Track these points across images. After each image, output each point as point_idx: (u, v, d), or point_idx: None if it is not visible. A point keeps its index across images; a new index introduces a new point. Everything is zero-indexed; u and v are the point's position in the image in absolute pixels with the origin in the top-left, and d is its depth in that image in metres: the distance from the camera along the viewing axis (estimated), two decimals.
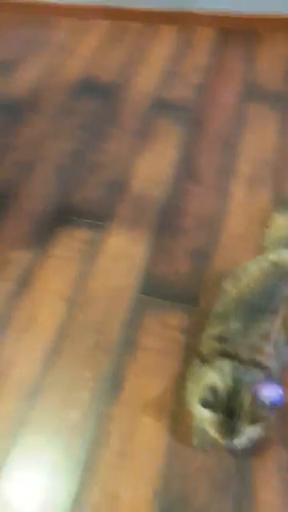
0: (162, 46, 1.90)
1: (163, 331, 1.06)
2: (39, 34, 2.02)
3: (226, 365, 0.82)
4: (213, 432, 0.76)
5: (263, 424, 0.76)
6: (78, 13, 2.04)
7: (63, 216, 1.32)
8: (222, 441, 0.75)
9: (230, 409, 0.76)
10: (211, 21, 1.92)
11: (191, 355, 0.98)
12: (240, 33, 1.90)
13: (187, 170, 1.41)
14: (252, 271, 1.02)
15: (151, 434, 0.92)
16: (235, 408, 0.76)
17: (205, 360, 0.88)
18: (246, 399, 0.77)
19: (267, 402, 0.75)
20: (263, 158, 1.43)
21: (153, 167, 1.42)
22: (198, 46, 1.88)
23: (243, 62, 1.78)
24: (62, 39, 1.97)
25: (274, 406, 0.76)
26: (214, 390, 0.79)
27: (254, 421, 0.75)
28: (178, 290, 1.14)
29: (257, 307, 0.94)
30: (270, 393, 0.76)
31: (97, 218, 1.30)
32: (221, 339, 0.91)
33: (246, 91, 1.65)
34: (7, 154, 1.50)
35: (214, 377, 0.81)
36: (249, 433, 0.75)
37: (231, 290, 1.01)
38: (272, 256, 1.06)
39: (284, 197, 1.30)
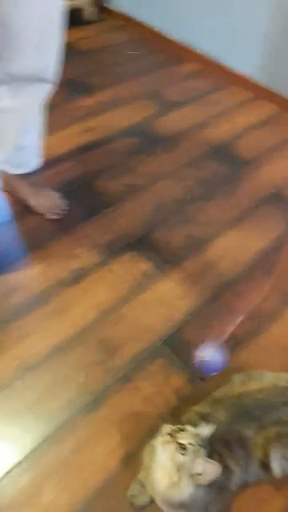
0: None
1: (161, 385, 1.16)
2: (213, 92, 2.32)
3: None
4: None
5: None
6: (255, 89, 2.31)
7: (139, 244, 1.51)
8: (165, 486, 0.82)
9: None
10: None
11: (172, 419, 1.06)
12: None
13: (268, 263, 1.51)
14: (266, 381, 1.08)
15: (100, 461, 1.02)
16: None
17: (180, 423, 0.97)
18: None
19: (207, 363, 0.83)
20: None
21: (238, 245, 1.55)
22: None
23: None
24: (229, 104, 2.24)
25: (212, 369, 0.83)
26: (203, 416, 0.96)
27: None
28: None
29: (249, 414, 1.00)
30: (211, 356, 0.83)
31: (165, 260, 1.47)
32: (202, 417, 0.99)
33: None
34: (124, 173, 1.78)
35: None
36: (201, 463, 0.81)
37: (237, 385, 1.09)
38: None
39: None
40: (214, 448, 0.89)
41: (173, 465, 0.82)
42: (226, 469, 0.92)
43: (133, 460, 1.01)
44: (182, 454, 0.82)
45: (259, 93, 2.29)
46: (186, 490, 0.83)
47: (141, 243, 1.52)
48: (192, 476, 0.82)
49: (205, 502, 0.85)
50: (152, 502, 0.93)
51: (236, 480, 0.95)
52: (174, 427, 0.86)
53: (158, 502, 0.90)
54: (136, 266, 1.44)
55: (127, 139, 1.96)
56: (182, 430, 0.86)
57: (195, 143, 1.98)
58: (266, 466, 0.96)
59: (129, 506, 0.95)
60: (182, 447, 0.82)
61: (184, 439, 0.84)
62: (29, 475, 0.99)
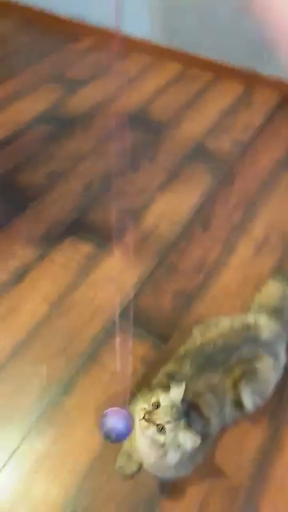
0: (223, 98, 2.10)
1: (126, 357, 1.18)
2: (115, 63, 2.29)
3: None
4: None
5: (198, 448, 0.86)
6: (154, 51, 2.31)
7: (76, 228, 1.50)
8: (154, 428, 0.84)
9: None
10: (275, 86, 2.10)
11: (143, 385, 1.08)
12: None
13: (203, 217, 1.55)
14: (223, 326, 1.13)
15: (82, 443, 1.03)
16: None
17: (151, 389, 0.99)
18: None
19: (112, 431, 0.87)
20: (281, 227, 1.54)
21: (171, 207, 1.58)
22: (256, 106, 2.06)
23: None
24: (134, 72, 2.23)
25: (116, 437, 0.88)
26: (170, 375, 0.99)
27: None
28: (155, 324, 1.26)
29: (213, 360, 1.04)
30: (116, 423, 0.86)
31: (104, 238, 1.46)
32: (170, 376, 1.02)
33: (287, 160, 1.79)
34: (45, 162, 1.74)
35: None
36: (182, 436, 0.85)
37: (198, 336, 1.12)
38: (249, 318, 1.16)
39: (286, 268, 1.40)
40: (188, 402, 0.92)
41: (156, 445, 0.85)
42: (202, 418, 0.96)
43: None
44: (162, 435, 0.85)
45: (160, 54, 2.30)
46: (173, 459, 0.87)
47: (77, 227, 1.51)
48: (176, 447, 0.86)
49: (190, 455, 0.89)
50: (141, 467, 0.96)
51: (214, 426, 1.00)
52: (147, 407, 0.87)
53: (147, 467, 0.93)
54: (77, 251, 1.43)
55: (40, 127, 1.91)
56: (156, 408, 0.87)
57: (110, 116, 1.96)
58: (238, 405, 1.02)
59: (119, 477, 0.97)
60: (161, 428, 0.85)
61: (160, 419, 0.85)
62: (16, 475, 0.98)
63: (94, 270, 1.38)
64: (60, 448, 1.02)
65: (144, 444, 0.88)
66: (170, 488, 0.97)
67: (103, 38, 2.43)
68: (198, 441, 0.85)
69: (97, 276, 1.37)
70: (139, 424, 0.87)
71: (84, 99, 2.06)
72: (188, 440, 0.85)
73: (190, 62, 2.25)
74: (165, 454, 0.85)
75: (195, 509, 0.95)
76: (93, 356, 1.18)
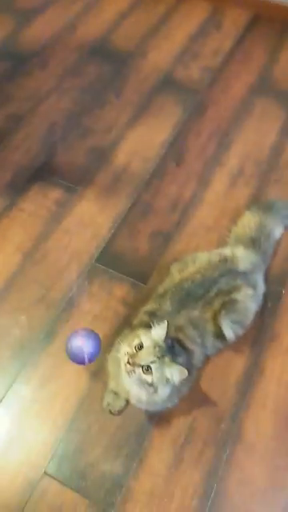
0: (191, 22, 1.95)
1: (106, 300, 1.17)
2: None
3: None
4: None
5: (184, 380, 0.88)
6: None
7: (43, 173, 1.42)
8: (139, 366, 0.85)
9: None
10: (246, 4, 1.96)
11: (124, 326, 1.09)
12: (273, 22, 1.94)
13: (176, 153, 1.49)
14: (201, 261, 1.12)
15: (69, 386, 1.04)
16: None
17: (133, 329, 0.99)
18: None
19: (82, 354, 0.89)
20: (256, 156, 1.50)
21: (142, 143, 1.51)
22: (226, 29, 1.92)
23: (267, 53, 1.82)
24: None
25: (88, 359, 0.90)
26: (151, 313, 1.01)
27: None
28: (133, 265, 1.24)
29: (192, 295, 1.04)
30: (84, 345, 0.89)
31: (74, 181, 1.40)
32: (151, 315, 1.02)
33: (260, 85, 1.71)
34: (2, 104, 1.61)
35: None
36: (169, 371, 0.86)
37: (176, 274, 1.12)
38: (226, 251, 1.16)
39: (261, 199, 1.38)
40: (171, 338, 0.93)
41: (145, 385, 0.86)
42: (186, 351, 0.97)
43: (99, 376, 1.04)
44: (149, 375, 0.85)
45: None
46: (164, 393, 0.89)
47: (43, 172, 1.43)
48: (165, 382, 0.87)
49: (176, 387, 0.91)
50: (128, 403, 0.98)
51: (198, 357, 1.02)
52: (130, 350, 0.87)
53: (136, 403, 0.95)
54: (46, 198, 1.37)
55: None
56: (140, 349, 0.87)
57: (69, 49, 1.81)
58: (219, 335, 1.04)
59: (107, 414, 1.00)
60: (147, 369, 0.85)
61: (145, 359, 0.85)
62: (6, 421, 1.00)
63: (66, 215, 1.34)
64: (47, 392, 1.04)
65: (133, 385, 0.89)
66: (158, 418, 1.01)
67: None
68: (186, 372, 0.86)
69: (69, 222, 1.32)
70: (125, 368, 0.87)
71: (40, 31, 1.88)
72: (175, 373, 0.86)
73: None
74: (155, 391, 0.87)
75: (183, 433, 0.99)
76: (72, 302, 1.17)
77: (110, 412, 1.00)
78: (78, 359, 0.90)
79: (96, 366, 1.06)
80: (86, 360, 0.90)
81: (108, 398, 1.01)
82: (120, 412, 1.00)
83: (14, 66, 1.74)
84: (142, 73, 1.73)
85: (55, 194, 1.38)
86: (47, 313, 1.15)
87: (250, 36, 1.89)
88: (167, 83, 1.70)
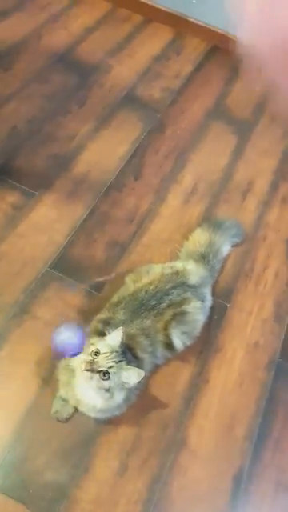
0: (154, 44, 1.97)
1: (59, 307, 1.13)
2: None
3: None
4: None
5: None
6: None
7: (0, 176, 1.36)
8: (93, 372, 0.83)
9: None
10: (205, 34, 2.01)
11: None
12: (229, 54, 2.00)
13: (134, 166, 1.49)
14: (154, 273, 1.12)
15: (18, 393, 0.99)
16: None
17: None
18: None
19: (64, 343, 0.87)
20: (209, 176, 1.53)
21: (102, 154, 1.49)
22: (187, 54, 1.96)
23: (223, 82, 1.89)
24: (60, 9, 1.99)
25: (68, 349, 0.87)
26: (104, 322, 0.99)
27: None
28: (88, 274, 1.21)
29: (145, 305, 1.03)
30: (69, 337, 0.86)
31: (32, 186, 1.35)
32: (105, 323, 1.00)
33: (215, 110, 1.76)
34: None
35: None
36: (126, 374, 0.85)
37: (130, 284, 1.11)
38: (178, 265, 1.16)
39: (212, 217, 1.41)
40: (123, 345, 0.91)
41: (102, 390, 0.84)
42: (136, 359, 0.96)
43: (48, 383, 1.00)
44: (107, 380, 0.83)
45: None
46: (119, 398, 0.88)
47: (1, 174, 1.36)
48: (121, 387, 0.86)
49: (126, 394, 0.89)
50: (76, 410, 0.95)
51: (147, 366, 1.01)
52: (87, 358, 0.85)
53: (85, 410, 0.92)
54: (2, 200, 1.30)
55: None
56: (96, 355, 0.85)
57: (35, 55, 1.75)
58: (169, 345, 1.04)
59: (55, 422, 0.96)
60: (104, 374, 0.83)
61: (103, 365, 0.84)
62: None
63: (23, 220, 1.28)
64: None
65: (88, 393, 0.87)
66: (106, 427, 0.98)
67: None
68: (143, 373, 0.86)
69: (25, 226, 1.27)
70: (82, 375, 0.85)
71: (4, 34, 1.80)
72: (132, 376, 0.86)
73: (119, 2, 2.06)
74: (111, 396, 0.86)
75: (130, 441, 0.98)
76: (25, 308, 1.11)
77: (58, 419, 0.96)
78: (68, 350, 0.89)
79: (45, 372, 1.02)
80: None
81: (56, 406, 0.96)
82: (67, 419, 0.96)
83: None
84: (105, 86, 1.72)
85: (12, 197, 1.32)
86: None
87: (208, 64, 1.94)
88: (129, 99, 1.70)
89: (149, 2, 2.03)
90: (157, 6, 2.02)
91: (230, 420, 1.06)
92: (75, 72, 1.74)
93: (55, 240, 1.26)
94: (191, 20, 2.01)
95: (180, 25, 2.04)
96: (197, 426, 1.03)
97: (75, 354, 0.88)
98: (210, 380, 1.10)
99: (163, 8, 2.02)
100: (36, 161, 1.42)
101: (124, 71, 1.80)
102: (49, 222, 1.29)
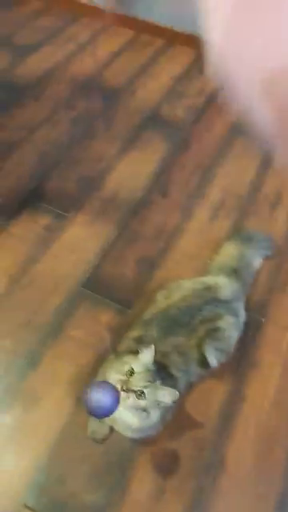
0: (176, 65, 2.00)
1: (91, 325, 1.13)
2: (65, 28, 2.12)
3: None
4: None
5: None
6: (106, 17, 2.14)
7: (33, 199, 1.39)
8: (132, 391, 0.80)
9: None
10: None
11: (109, 352, 1.04)
12: None
13: (161, 184, 1.49)
14: (185, 289, 1.10)
15: (52, 413, 0.98)
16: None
17: (118, 355, 0.95)
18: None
19: (95, 405, 0.76)
20: (236, 191, 1.51)
21: (130, 174, 1.51)
22: (209, 72, 1.98)
23: None
24: (85, 38, 2.07)
25: (99, 412, 0.76)
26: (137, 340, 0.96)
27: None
28: (118, 291, 1.21)
29: (178, 322, 1.01)
30: (101, 397, 0.76)
31: (63, 208, 1.37)
32: (138, 341, 0.98)
33: (240, 125, 1.75)
34: None
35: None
36: (161, 394, 0.83)
37: (161, 301, 1.09)
38: (208, 280, 1.14)
39: (241, 231, 1.38)
40: (158, 362, 0.89)
41: (138, 410, 0.82)
42: (171, 377, 0.94)
43: (82, 403, 0.99)
44: (143, 399, 0.82)
45: (111, 20, 2.14)
46: (156, 417, 0.85)
47: (34, 198, 1.40)
48: (156, 406, 0.84)
49: (162, 413, 0.87)
50: (112, 430, 0.93)
51: (182, 384, 0.98)
52: (122, 378, 0.83)
53: (121, 429, 0.90)
54: (36, 223, 1.33)
55: None
56: (131, 375, 0.83)
57: (62, 84, 1.82)
58: (203, 362, 1.00)
59: (89, 442, 0.94)
60: (140, 394, 0.81)
61: (137, 385, 0.82)
62: None
63: (55, 240, 1.30)
64: (30, 420, 0.97)
65: (125, 413, 0.84)
66: (142, 447, 0.96)
67: (51, 1, 2.23)
68: (177, 393, 0.83)
69: (58, 247, 1.29)
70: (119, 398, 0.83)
71: (34, 65, 1.89)
72: (167, 396, 0.84)
73: (141, 28, 2.11)
74: (148, 416, 0.84)
75: (166, 462, 0.94)
76: (58, 327, 1.12)
77: (95, 440, 0.94)
78: (99, 411, 0.78)
79: (80, 392, 1.01)
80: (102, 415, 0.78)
81: (93, 426, 0.95)
82: (104, 440, 0.94)
83: (8, 97, 1.73)
84: (130, 108, 1.75)
85: (45, 219, 1.34)
86: (32, 337, 1.09)
87: None
88: (154, 119, 1.72)
89: (169, 27, 2.07)
90: (176, 30, 2.06)
91: (269, 441, 1.00)
92: (101, 96, 1.78)
93: (86, 259, 1.26)
94: None
95: (201, 45, 2.06)
96: (235, 446, 0.98)
97: (107, 415, 0.79)
98: (246, 398, 1.05)
99: (183, 31, 2.05)
100: (66, 183, 1.45)
101: (148, 93, 1.83)
102: (80, 241, 1.31)
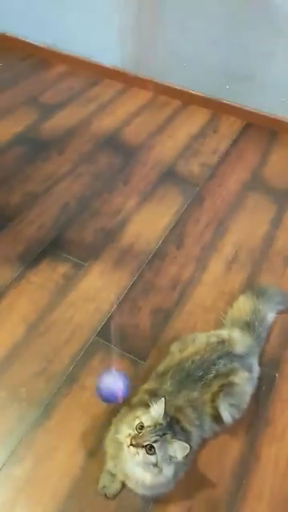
0: (192, 124, 2.14)
1: None
2: (88, 89, 2.30)
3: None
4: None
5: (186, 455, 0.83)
6: (127, 79, 2.34)
7: (53, 249, 1.46)
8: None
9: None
10: (239, 113, 2.17)
11: (123, 404, 1.05)
12: (263, 129, 2.13)
13: (176, 236, 1.56)
14: (200, 342, 1.12)
15: (63, 466, 0.98)
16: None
17: (131, 408, 0.96)
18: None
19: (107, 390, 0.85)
20: (249, 244, 1.57)
21: (146, 226, 1.58)
22: (223, 132, 2.11)
23: (258, 155, 1.98)
24: (107, 99, 2.25)
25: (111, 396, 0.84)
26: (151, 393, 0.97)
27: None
28: (133, 341, 1.24)
29: (192, 376, 1.03)
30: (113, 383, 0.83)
31: (82, 257, 1.44)
32: (151, 394, 1.00)
33: (252, 181, 1.84)
34: (22, 183, 1.70)
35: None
36: (172, 448, 0.83)
37: (176, 353, 1.11)
38: (223, 333, 1.16)
39: (255, 284, 1.42)
40: (170, 417, 0.90)
41: (150, 465, 0.83)
42: (184, 432, 0.94)
43: (95, 456, 0.99)
44: (153, 454, 0.82)
45: (131, 82, 2.33)
46: (169, 473, 0.85)
47: (54, 247, 1.47)
48: (168, 461, 0.84)
49: (175, 469, 0.87)
50: (124, 486, 0.92)
51: (195, 439, 0.98)
52: (132, 433, 0.84)
53: (133, 486, 0.89)
54: (54, 271, 1.40)
55: (16, 149, 1.87)
56: (141, 429, 0.84)
57: (84, 140, 1.96)
58: (217, 418, 1.01)
59: (100, 498, 0.93)
60: (150, 449, 0.82)
61: (147, 440, 0.83)
62: None
63: (72, 289, 1.35)
64: (41, 471, 0.97)
65: (137, 468, 0.84)
66: (154, 505, 0.94)
67: (75, 65, 2.44)
68: (188, 447, 0.83)
69: (75, 295, 1.34)
70: (128, 451, 0.84)
71: (59, 123, 2.04)
72: (178, 450, 0.84)
73: (159, 90, 2.29)
74: (160, 471, 0.83)
75: None
76: (72, 376, 1.14)
77: (106, 496, 0.93)
78: (111, 396, 0.90)
79: (92, 444, 1.01)
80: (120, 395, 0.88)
81: (104, 480, 0.94)
82: (115, 496, 0.94)
83: (34, 150, 1.86)
84: (147, 164, 1.86)
85: (63, 268, 1.41)
86: (47, 386, 1.12)
87: (244, 139, 2.06)
88: (170, 175, 1.82)
89: (186, 89, 2.24)
90: (193, 92, 2.23)
91: (285, 503, 0.98)
92: (120, 152, 1.90)
93: (102, 308, 1.31)
94: (225, 102, 2.18)
95: (215, 106, 2.21)
96: (249, 509, 0.96)
97: (120, 399, 0.86)
98: (260, 457, 1.04)
99: (199, 93, 2.22)
100: (85, 234, 1.53)
101: (165, 150, 1.95)
102: (96, 291, 1.35)
